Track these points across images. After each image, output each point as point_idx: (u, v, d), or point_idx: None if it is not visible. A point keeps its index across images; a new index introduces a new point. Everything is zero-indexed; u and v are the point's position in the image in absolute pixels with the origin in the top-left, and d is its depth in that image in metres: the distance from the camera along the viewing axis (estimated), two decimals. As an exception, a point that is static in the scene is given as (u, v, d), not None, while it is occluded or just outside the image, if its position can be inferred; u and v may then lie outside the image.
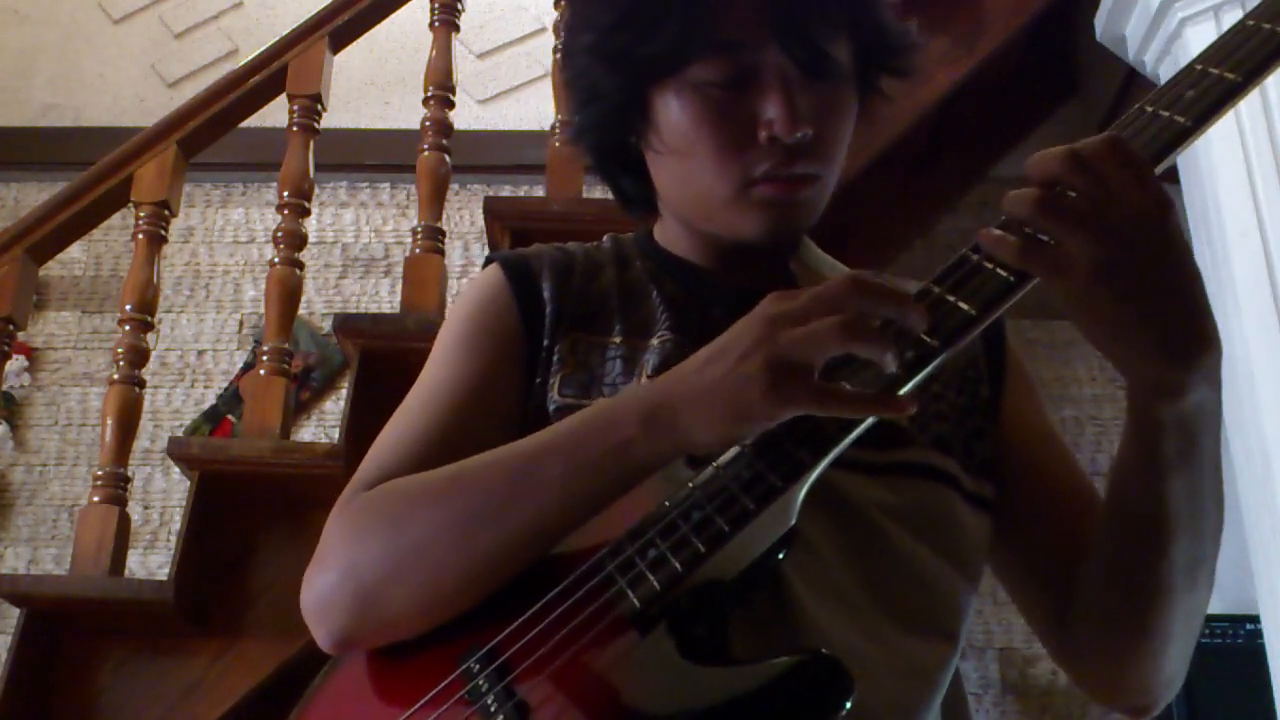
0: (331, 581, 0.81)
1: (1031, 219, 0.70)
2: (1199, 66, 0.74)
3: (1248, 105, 2.18)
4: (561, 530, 0.77)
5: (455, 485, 0.81)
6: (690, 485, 0.75)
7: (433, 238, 2.32)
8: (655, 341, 0.91)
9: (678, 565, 0.72)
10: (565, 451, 0.77)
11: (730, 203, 0.89)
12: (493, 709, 0.72)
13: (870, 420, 0.73)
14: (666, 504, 0.75)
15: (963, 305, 0.72)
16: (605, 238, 1.04)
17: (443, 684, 0.75)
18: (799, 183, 0.88)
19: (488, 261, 1.00)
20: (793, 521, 0.73)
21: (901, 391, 0.71)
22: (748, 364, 0.70)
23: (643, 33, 0.87)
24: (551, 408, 0.89)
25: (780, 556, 0.74)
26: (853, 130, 0.94)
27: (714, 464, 0.75)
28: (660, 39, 0.87)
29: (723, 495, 0.73)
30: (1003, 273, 0.72)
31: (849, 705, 0.67)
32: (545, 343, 0.93)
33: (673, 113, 0.89)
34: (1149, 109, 0.74)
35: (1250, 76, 0.72)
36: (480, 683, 0.74)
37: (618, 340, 0.92)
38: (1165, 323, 0.72)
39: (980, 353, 0.97)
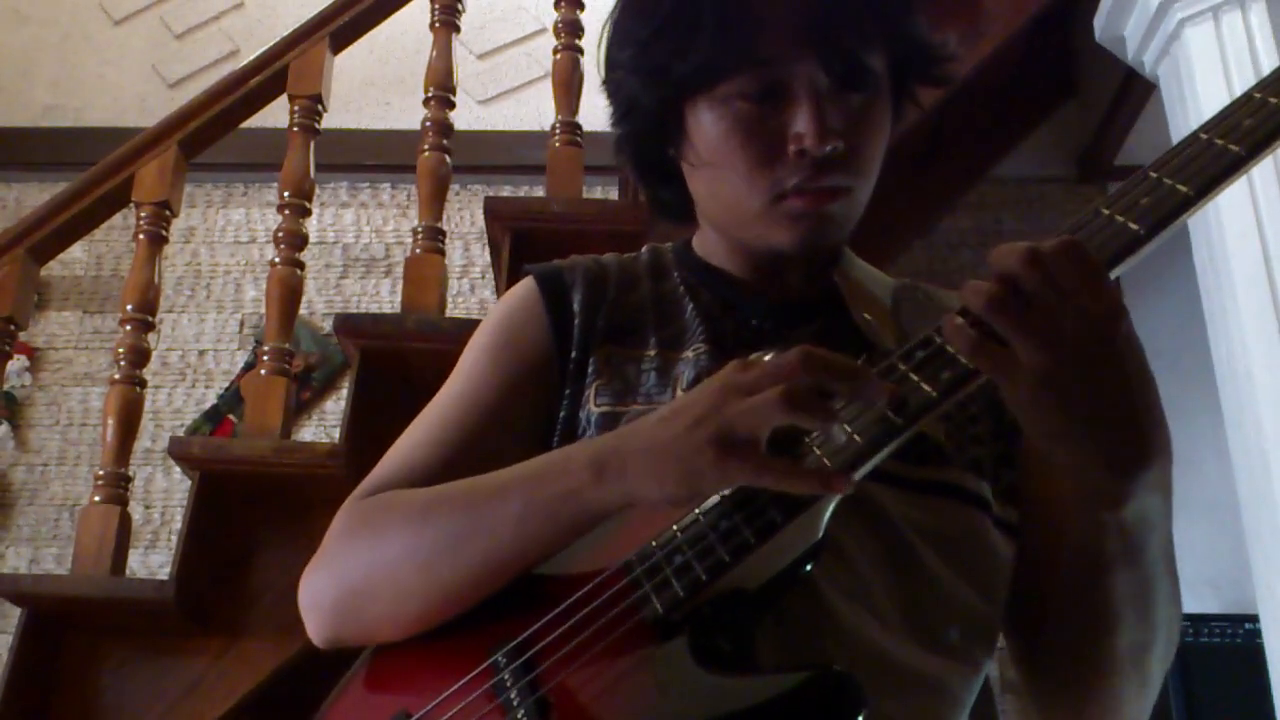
0: (319, 585, 0.87)
1: (984, 314, 0.69)
2: (1153, 174, 0.73)
3: (1247, 105, 2.18)
4: (516, 567, 0.80)
5: (429, 513, 0.84)
6: (720, 494, 0.75)
7: (433, 238, 2.32)
8: (690, 353, 0.92)
9: (701, 573, 0.73)
10: (523, 491, 0.80)
11: (761, 215, 0.90)
12: (515, 703, 0.74)
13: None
14: (697, 512, 0.75)
15: (924, 386, 0.72)
16: (644, 249, 1.05)
17: (471, 674, 0.77)
18: (829, 195, 0.88)
19: (523, 273, 1.02)
20: (820, 535, 0.74)
21: (864, 467, 0.71)
22: (697, 432, 0.71)
23: (677, 48, 0.88)
24: (591, 416, 0.90)
25: (808, 569, 0.74)
26: (887, 141, 0.94)
27: None
28: (694, 55, 0.87)
29: (751, 506, 0.74)
30: (963, 360, 0.71)
31: None
32: (574, 354, 0.94)
33: (705, 127, 0.90)
34: (1105, 211, 0.73)
35: (1204, 188, 0.70)
36: (506, 676, 0.75)
37: (652, 353, 0.93)
38: (1110, 434, 0.71)
39: None
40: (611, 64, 0.96)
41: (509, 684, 0.75)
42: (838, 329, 0.92)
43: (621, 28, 0.95)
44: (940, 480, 0.87)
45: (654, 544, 0.76)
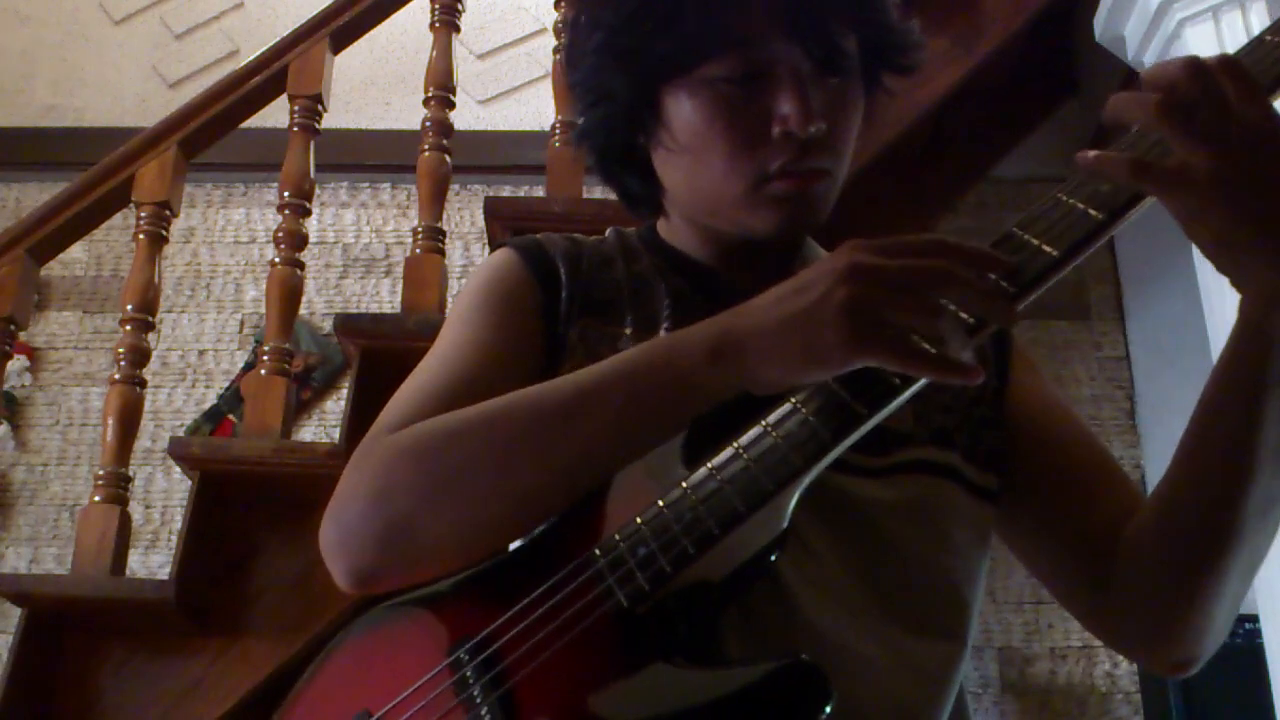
0: (358, 511, 0.79)
1: (1154, 121, 0.70)
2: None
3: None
4: (609, 464, 0.76)
5: (501, 413, 0.79)
6: (683, 486, 0.75)
7: (433, 238, 2.32)
8: (662, 332, 0.91)
9: (666, 565, 0.72)
10: (625, 379, 0.77)
11: (743, 199, 0.89)
12: (478, 700, 0.73)
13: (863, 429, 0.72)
14: (659, 503, 0.74)
15: (1046, 248, 0.72)
16: (609, 231, 1.04)
17: (431, 673, 0.75)
18: (812, 177, 0.88)
19: (496, 248, 0.99)
20: (785, 525, 0.73)
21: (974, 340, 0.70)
22: (825, 306, 0.69)
23: (655, 31, 0.87)
24: None
25: (772, 559, 0.73)
26: (859, 124, 0.94)
27: (708, 465, 0.75)
28: (673, 37, 0.87)
29: (714, 497, 0.73)
30: (1094, 212, 0.72)
31: (827, 711, 0.67)
32: (560, 328, 0.92)
33: (685, 111, 0.89)
34: (1269, 38, 0.75)
35: None
36: (468, 673, 0.74)
37: (628, 332, 0.92)
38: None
39: (986, 343, 0.96)
40: (579, 51, 0.94)
41: (471, 681, 0.74)
42: None
43: (590, 14, 0.94)
44: (903, 460, 0.87)
45: (617, 536, 0.75)
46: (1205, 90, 0.69)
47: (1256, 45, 0.75)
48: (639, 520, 0.74)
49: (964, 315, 0.70)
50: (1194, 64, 0.70)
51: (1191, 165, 0.69)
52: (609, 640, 0.72)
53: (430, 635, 0.78)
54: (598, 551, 0.75)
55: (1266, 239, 0.71)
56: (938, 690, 0.85)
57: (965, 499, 0.89)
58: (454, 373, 0.88)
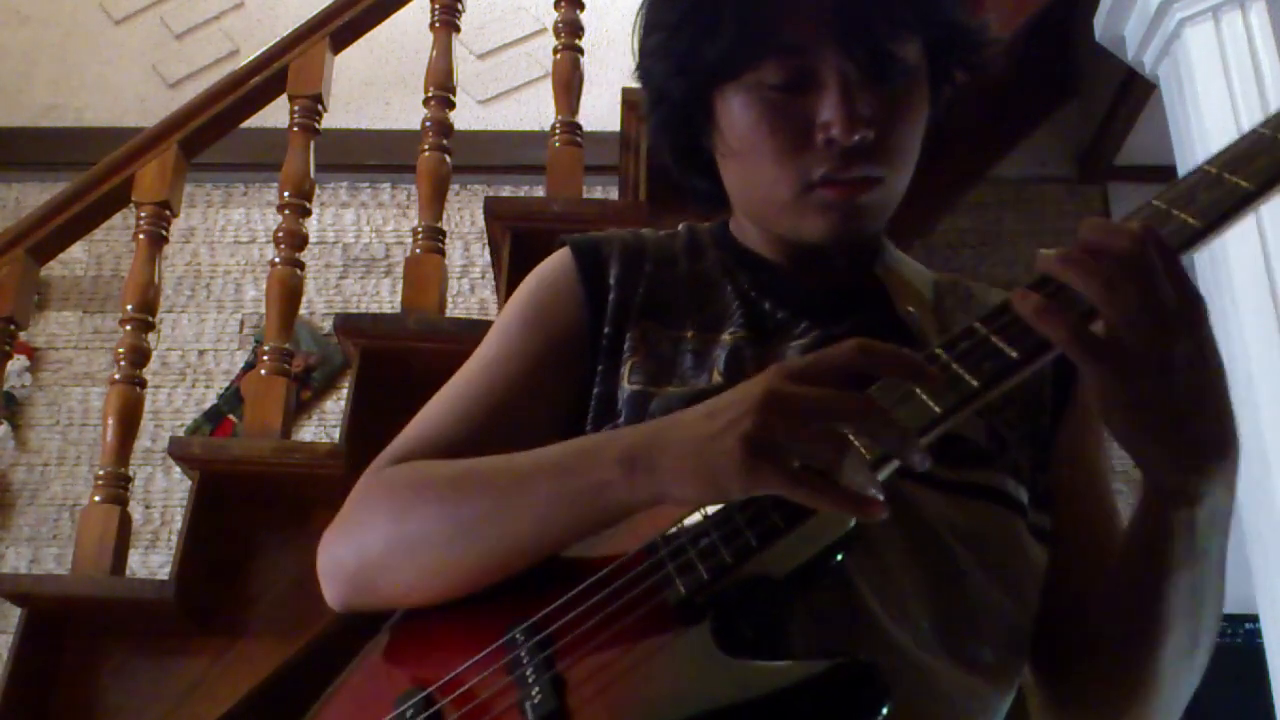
0: (339, 553, 0.87)
1: (1080, 277, 0.67)
2: (1212, 169, 0.71)
3: (1245, 103, 2.18)
4: (537, 554, 0.79)
5: (454, 491, 0.83)
6: None
7: (433, 238, 2.32)
8: (727, 336, 0.90)
9: (727, 557, 0.72)
10: (551, 480, 0.78)
11: (790, 205, 0.88)
12: (530, 680, 0.72)
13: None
14: None
15: (966, 377, 0.70)
16: (681, 226, 1.03)
17: (486, 650, 0.76)
18: (860, 186, 0.87)
19: (559, 244, 1.00)
20: (852, 524, 0.72)
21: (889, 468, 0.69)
22: (730, 435, 0.68)
23: (703, 36, 0.87)
24: (624, 395, 0.88)
25: (838, 558, 0.72)
26: (924, 127, 0.92)
27: None
28: (720, 42, 0.86)
29: None
30: (1011, 351, 0.69)
31: (884, 712, 0.66)
32: (606, 330, 0.92)
33: (734, 115, 0.89)
34: (1159, 204, 0.71)
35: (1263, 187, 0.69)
36: (522, 654, 0.74)
37: (690, 334, 0.91)
38: (1197, 425, 0.70)
39: (1048, 381, 0.94)
40: (641, 51, 0.94)
41: (525, 661, 0.74)
42: (879, 322, 0.90)
43: (651, 15, 0.93)
44: (981, 483, 0.85)
45: (679, 526, 0.75)
46: (1140, 255, 0.67)
47: (1151, 210, 0.71)
48: (702, 511, 0.74)
49: (865, 451, 0.68)
50: (1124, 230, 0.68)
51: (1120, 330, 0.67)
52: (665, 629, 0.72)
53: (486, 615, 0.79)
54: (659, 540, 0.75)
55: (1181, 430, 0.70)
56: (984, 715, 0.84)
57: (1029, 538, 0.87)
58: (472, 404, 0.92)
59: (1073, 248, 0.69)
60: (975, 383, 0.69)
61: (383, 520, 0.85)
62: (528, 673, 0.73)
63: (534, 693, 0.72)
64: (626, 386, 0.89)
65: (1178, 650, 0.82)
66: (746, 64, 0.86)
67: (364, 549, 0.85)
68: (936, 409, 0.69)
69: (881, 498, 0.68)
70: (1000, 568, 0.84)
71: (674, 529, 0.75)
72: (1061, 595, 0.89)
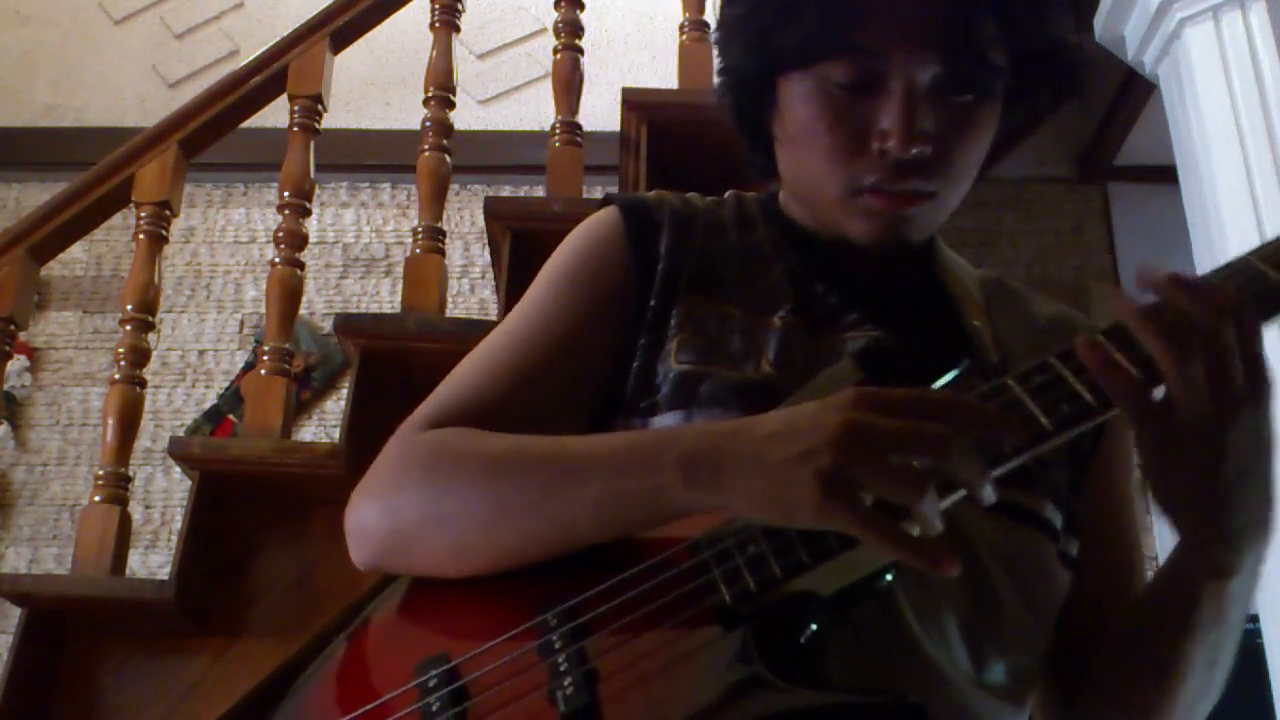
0: (372, 515, 0.83)
1: (1155, 340, 0.65)
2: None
3: (1245, 103, 2.18)
4: (583, 544, 0.76)
5: (500, 472, 0.80)
6: None
7: (433, 238, 2.32)
8: (776, 320, 0.88)
9: (777, 570, 0.70)
10: (607, 476, 0.75)
11: (837, 204, 0.87)
12: (562, 669, 0.70)
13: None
14: None
15: (1041, 417, 0.68)
16: (728, 194, 1.01)
17: (519, 629, 0.73)
18: (908, 199, 0.85)
19: (604, 202, 0.96)
20: None
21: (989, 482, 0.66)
22: (806, 466, 0.65)
23: (780, 21, 0.85)
24: (670, 372, 0.86)
25: (887, 579, 0.70)
26: (988, 144, 0.89)
27: None
28: (795, 32, 0.84)
29: None
30: (1086, 395, 0.68)
31: None
32: (652, 302, 0.89)
33: (796, 104, 0.87)
34: (1257, 264, 0.69)
35: None
36: (555, 639, 0.72)
37: (737, 313, 0.89)
38: (1241, 504, 0.69)
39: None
40: (720, 21, 0.93)
41: (558, 647, 0.71)
42: (944, 331, 0.89)
43: None
44: (1023, 505, 0.84)
45: (724, 528, 0.72)
46: (1220, 323, 0.64)
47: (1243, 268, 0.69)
48: None
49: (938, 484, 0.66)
50: (1212, 301, 0.65)
51: (1183, 401, 0.65)
52: (705, 634, 0.70)
53: (519, 590, 0.76)
54: (703, 540, 0.73)
55: (1220, 508, 0.69)
56: None
57: (1057, 564, 0.86)
58: (511, 364, 0.88)
59: (1158, 289, 0.67)
60: (1049, 425, 0.68)
61: (420, 490, 0.81)
62: (560, 660, 0.71)
63: (566, 682, 0.69)
64: (675, 365, 0.86)
65: (1193, 695, 0.83)
66: (817, 57, 0.84)
67: (398, 516, 0.82)
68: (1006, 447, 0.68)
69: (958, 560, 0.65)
70: (1031, 593, 0.83)
71: (722, 528, 0.73)
72: (1076, 622, 0.88)
